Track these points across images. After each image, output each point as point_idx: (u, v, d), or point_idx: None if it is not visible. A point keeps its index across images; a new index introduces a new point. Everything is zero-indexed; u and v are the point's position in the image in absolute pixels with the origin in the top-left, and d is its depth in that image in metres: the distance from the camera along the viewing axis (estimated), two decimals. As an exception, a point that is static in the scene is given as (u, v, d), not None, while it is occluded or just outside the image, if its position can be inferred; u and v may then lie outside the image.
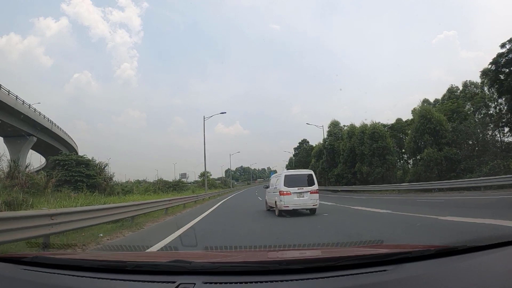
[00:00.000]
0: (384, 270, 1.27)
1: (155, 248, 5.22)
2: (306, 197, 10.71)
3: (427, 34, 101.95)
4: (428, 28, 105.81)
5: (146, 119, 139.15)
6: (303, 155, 60.69)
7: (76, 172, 27.01)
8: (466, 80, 30.55)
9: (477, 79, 28.58)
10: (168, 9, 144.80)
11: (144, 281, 1.32)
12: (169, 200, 14.43)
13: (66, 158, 28.47)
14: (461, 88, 31.38)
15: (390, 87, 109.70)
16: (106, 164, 32.35)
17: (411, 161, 35.11)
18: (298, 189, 10.72)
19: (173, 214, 13.31)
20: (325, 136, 43.38)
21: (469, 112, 28.48)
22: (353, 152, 35.06)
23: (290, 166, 69.42)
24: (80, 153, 34.14)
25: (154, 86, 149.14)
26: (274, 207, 11.74)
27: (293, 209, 10.72)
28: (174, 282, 1.25)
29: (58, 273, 1.47)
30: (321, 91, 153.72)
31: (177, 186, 43.41)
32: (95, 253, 4.16)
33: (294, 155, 68.38)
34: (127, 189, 33.12)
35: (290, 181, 10.91)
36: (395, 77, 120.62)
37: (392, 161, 33.08)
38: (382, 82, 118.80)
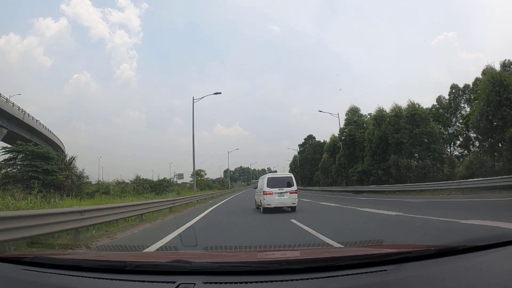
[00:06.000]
0: (385, 270, 1.27)
1: (154, 247, 5.23)
2: (286, 197, 12.16)
3: (427, 35, 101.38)
4: (428, 29, 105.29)
5: (145, 120, 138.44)
6: (310, 151, 56.84)
7: (30, 166, 22.00)
8: (505, 60, 24.44)
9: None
10: (168, 10, 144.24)
11: (144, 281, 1.32)
12: (82, 211, 6.81)
13: (20, 149, 23.15)
14: (498, 68, 23.87)
15: (390, 87, 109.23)
16: (73, 158, 27.27)
17: (468, 148, 27.96)
18: (279, 189, 12.16)
19: (89, 241, 6.74)
20: (342, 126, 34.80)
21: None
22: (384, 141, 27.38)
23: (294, 165, 66.69)
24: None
25: (153, 87, 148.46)
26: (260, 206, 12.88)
27: (275, 207, 11.92)
28: (174, 282, 1.25)
29: (58, 273, 1.47)
30: (321, 91, 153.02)
31: (160, 186, 33.82)
32: (95, 253, 4.15)
33: (299, 153, 63.59)
34: (103, 189, 27.82)
35: (272, 183, 12.40)
36: (395, 78, 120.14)
37: (440, 151, 25.65)
38: (382, 82, 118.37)
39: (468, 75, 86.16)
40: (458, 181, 20.31)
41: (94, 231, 7.91)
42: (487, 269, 1.29)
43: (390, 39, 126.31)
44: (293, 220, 8.99)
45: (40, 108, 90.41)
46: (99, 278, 1.39)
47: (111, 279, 1.38)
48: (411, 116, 25.48)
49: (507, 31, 66.29)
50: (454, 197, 16.66)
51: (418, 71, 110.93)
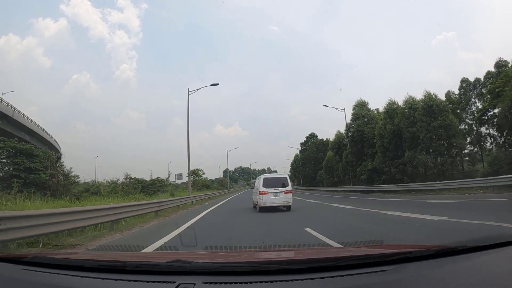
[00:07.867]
0: (385, 270, 1.27)
1: (152, 247, 5.23)
2: (281, 196, 12.59)
3: (426, 35, 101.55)
4: (427, 29, 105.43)
5: (145, 120, 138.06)
6: (313, 150, 55.77)
7: (12, 164, 20.88)
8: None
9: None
10: (167, 10, 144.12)
11: (144, 281, 1.32)
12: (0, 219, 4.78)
13: (1, 145, 21.84)
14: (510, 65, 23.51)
15: (390, 87, 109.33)
16: (59, 156, 26.04)
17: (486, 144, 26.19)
18: (274, 189, 12.57)
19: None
20: (349, 121, 32.44)
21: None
22: (397, 136, 25.07)
23: (296, 164, 65.92)
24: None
25: (153, 87, 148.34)
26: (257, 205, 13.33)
27: (270, 206, 12.31)
28: (174, 282, 1.25)
29: (58, 273, 1.47)
30: (321, 91, 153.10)
31: (153, 186, 31.86)
32: (95, 253, 4.15)
33: (300, 151, 62.61)
34: (93, 190, 26.32)
35: (268, 183, 12.81)
36: (395, 78, 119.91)
37: (460, 146, 24.16)
38: (382, 82, 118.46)
39: (468, 75, 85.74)
40: (487, 178, 17.92)
41: (40, 245, 5.82)
42: (487, 269, 1.29)
43: (390, 39, 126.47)
44: (307, 229, 6.89)
45: (40, 108, 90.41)
46: (99, 278, 1.39)
47: (111, 279, 1.38)
48: (428, 108, 23.44)
49: (507, 31, 66.21)
50: (486, 197, 14.43)
51: (418, 71, 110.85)
